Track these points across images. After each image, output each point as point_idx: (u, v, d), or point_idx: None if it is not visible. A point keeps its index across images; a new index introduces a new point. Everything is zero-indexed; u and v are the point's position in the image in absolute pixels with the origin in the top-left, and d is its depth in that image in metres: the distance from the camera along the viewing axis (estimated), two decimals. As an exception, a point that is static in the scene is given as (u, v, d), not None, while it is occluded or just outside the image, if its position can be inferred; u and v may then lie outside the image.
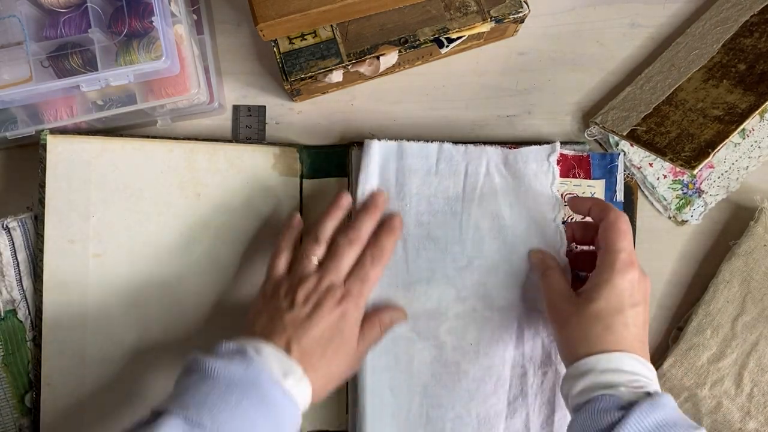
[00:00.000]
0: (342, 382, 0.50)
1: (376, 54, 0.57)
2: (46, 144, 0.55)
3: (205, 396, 0.42)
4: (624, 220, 0.50)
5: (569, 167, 0.58)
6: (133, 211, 0.56)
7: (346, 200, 0.55)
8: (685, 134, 0.56)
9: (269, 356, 0.45)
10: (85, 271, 0.55)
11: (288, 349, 0.46)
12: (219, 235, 0.58)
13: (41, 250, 0.55)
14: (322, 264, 0.51)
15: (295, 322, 0.48)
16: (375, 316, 0.52)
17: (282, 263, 0.52)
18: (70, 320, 0.54)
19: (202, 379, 0.43)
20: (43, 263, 0.54)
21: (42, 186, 0.55)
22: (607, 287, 0.47)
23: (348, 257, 0.51)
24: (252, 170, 0.59)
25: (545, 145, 0.58)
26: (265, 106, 0.63)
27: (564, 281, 0.52)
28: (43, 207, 0.55)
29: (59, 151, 0.55)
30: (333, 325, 0.48)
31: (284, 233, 0.54)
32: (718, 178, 0.61)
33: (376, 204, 0.54)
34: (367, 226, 0.53)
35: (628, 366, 0.45)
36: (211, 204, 0.58)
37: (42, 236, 0.55)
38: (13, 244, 0.55)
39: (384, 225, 0.54)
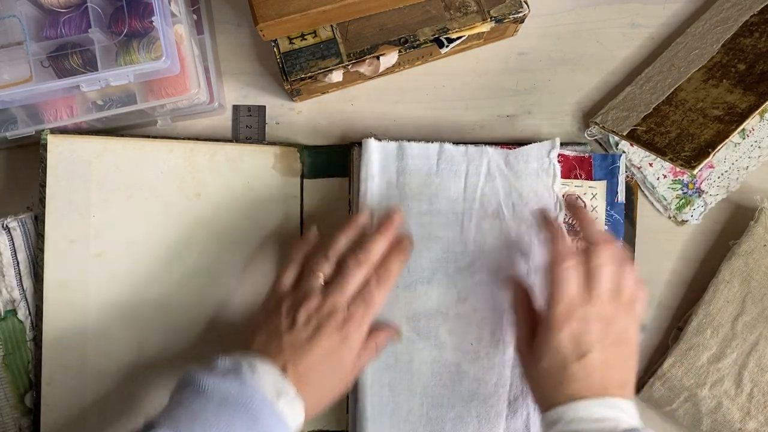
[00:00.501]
0: (335, 401, 0.50)
1: (376, 54, 0.57)
2: (46, 144, 0.55)
3: (197, 413, 0.42)
4: (568, 265, 0.48)
5: (570, 168, 0.58)
6: (134, 210, 0.56)
7: (362, 219, 0.54)
8: (685, 134, 0.56)
9: (264, 375, 0.45)
10: (85, 271, 0.55)
11: (284, 369, 0.46)
12: (219, 235, 0.57)
13: (41, 250, 0.55)
14: (329, 283, 0.50)
15: (294, 344, 0.47)
16: (372, 336, 0.51)
17: (289, 277, 0.51)
18: (70, 320, 0.54)
19: (195, 395, 0.43)
20: (43, 263, 0.54)
21: (42, 186, 0.55)
22: (546, 347, 0.47)
23: (355, 278, 0.50)
24: (252, 170, 0.59)
25: (545, 142, 0.58)
26: (265, 106, 0.63)
27: (525, 330, 0.51)
28: (44, 207, 0.55)
29: (60, 151, 0.55)
30: (332, 350, 0.48)
31: (296, 245, 0.54)
32: (718, 178, 0.61)
33: (391, 223, 0.52)
34: (378, 247, 0.51)
35: (594, 413, 0.45)
36: (212, 204, 0.58)
37: (42, 236, 0.55)
38: (13, 244, 0.55)
39: (394, 246, 0.52)
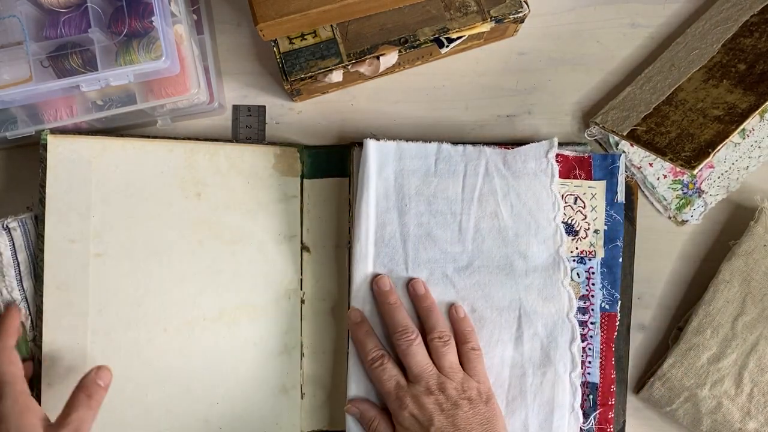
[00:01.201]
0: None
1: (376, 54, 0.57)
2: (46, 144, 0.55)
3: None
4: (375, 365, 0.52)
5: (570, 168, 0.58)
6: (134, 210, 0.56)
7: None
8: (685, 134, 0.56)
9: None
10: (85, 272, 0.55)
11: None
12: (220, 235, 0.58)
13: (41, 251, 0.55)
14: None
15: None
16: (76, 395, 0.49)
17: None
18: (70, 321, 0.54)
19: None
20: (43, 263, 0.54)
21: (42, 186, 0.55)
22: None
23: None
24: (253, 170, 0.59)
25: (543, 142, 0.58)
26: (265, 106, 0.63)
27: None
28: (44, 207, 0.55)
29: (60, 151, 0.55)
30: None
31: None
32: (718, 178, 0.61)
33: None
34: None
35: None
36: (212, 204, 0.58)
37: (42, 236, 0.55)
38: (14, 244, 0.55)
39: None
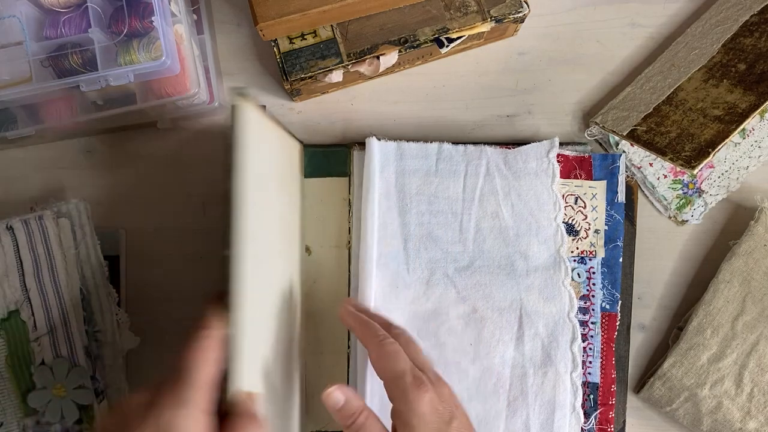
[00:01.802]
0: None
1: (376, 54, 0.57)
2: (238, 109, 0.36)
3: None
4: (387, 350, 0.44)
5: (570, 168, 0.58)
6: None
7: None
8: (685, 134, 0.56)
9: None
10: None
11: None
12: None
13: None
14: None
15: None
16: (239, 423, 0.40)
17: None
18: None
19: None
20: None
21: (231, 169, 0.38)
22: (411, 426, 0.42)
23: None
24: (288, 164, 0.56)
25: (544, 142, 0.58)
26: (265, 106, 0.63)
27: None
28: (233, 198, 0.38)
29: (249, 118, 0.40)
30: None
31: None
32: (719, 177, 0.61)
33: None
34: None
35: None
36: (275, 195, 0.52)
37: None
38: (17, 244, 0.55)
39: None
